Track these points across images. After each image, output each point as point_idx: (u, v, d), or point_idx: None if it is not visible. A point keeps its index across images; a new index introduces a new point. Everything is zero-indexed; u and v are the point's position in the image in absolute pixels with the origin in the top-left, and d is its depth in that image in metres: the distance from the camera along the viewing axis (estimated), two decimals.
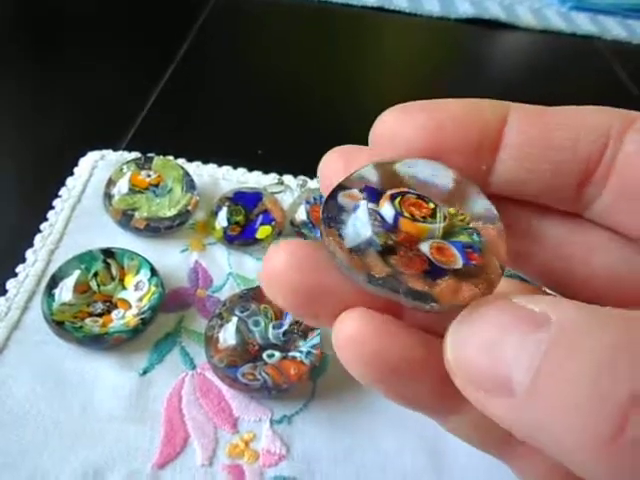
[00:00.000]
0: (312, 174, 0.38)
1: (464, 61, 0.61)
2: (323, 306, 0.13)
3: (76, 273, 0.28)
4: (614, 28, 0.66)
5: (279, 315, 0.27)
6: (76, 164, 0.36)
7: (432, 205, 0.13)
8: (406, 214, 0.13)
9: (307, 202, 0.33)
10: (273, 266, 0.13)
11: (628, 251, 0.15)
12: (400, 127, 0.14)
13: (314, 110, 0.47)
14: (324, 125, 0.45)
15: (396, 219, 0.13)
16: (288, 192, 0.35)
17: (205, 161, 0.38)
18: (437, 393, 0.13)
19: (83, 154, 0.37)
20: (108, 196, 0.32)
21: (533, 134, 0.14)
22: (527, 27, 0.64)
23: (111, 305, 0.28)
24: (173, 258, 0.31)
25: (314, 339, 0.26)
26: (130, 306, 0.28)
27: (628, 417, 0.09)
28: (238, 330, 0.26)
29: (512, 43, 0.65)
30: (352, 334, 0.12)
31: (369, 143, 0.15)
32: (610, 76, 0.58)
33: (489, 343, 0.11)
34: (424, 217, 0.13)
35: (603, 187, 0.14)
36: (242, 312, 0.27)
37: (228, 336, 0.26)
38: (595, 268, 0.15)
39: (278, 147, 0.41)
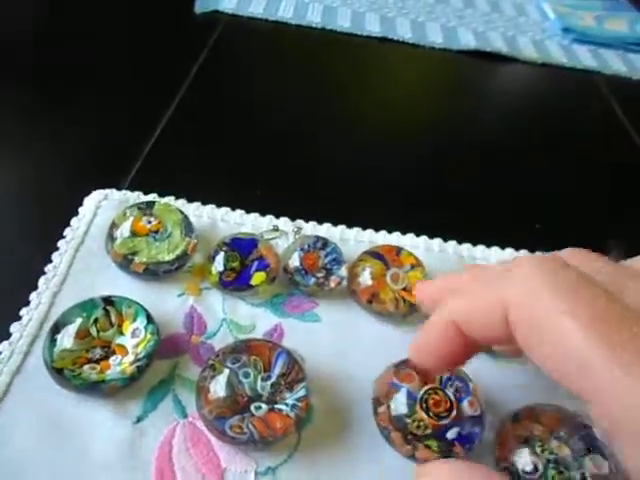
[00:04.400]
0: (310, 217, 0.39)
1: (465, 92, 0.62)
2: None
3: (78, 321, 0.29)
4: (615, 63, 0.67)
5: (268, 367, 0.29)
6: (81, 204, 0.37)
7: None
8: None
9: (301, 249, 0.35)
10: None
11: None
12: None
13: (315, 149, 0.48)
14: (324, 164, 0.46)
15: None
16: (283, 237, 0.37)
17: (204, 202, 0.39)
18: None
19: (87, 193, 0.38)
20: (111, 238, 0.34)
21: None
22: (528, 60, 0.65)
23: (109, 351, 0.29)
24: (170, 303, 0.32)
25: (300, 391, 0.28)
26: (127, 352, 0.29)
27: None
28: (229, 382, 0.27)
29: (513, 75, 0.66)
30: None
31: None
32: (606, 111, 0.59)
33: None
34: None
35: None
36: (234, 364, 0.28)
37: (219, 388, 0.27)
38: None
39: (277, 187, 0.42)
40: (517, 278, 0.20)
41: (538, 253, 0.39)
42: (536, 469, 0.25)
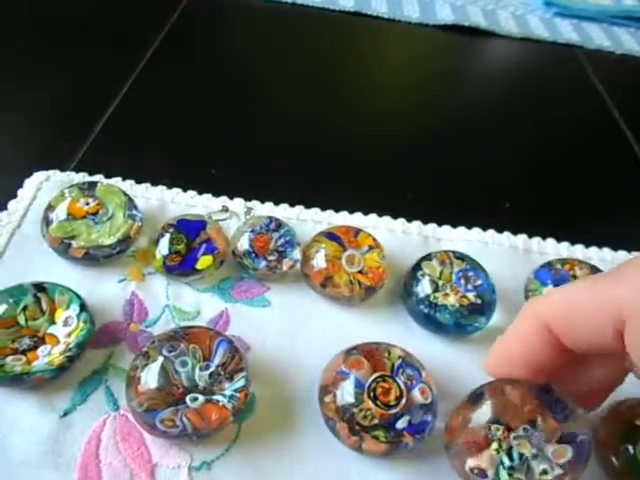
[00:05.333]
0: (267, 198, 0.37)
1: (442, 69, 0.60)
2: None
3: (3, 308, 0.27)
4: (598, 37, 0.65)
5: (207, 356, 0.27)
6: (21, 185, 0.35)
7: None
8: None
9: (251, 231, 0.33)
10: None
11: None
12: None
13: (279, 126, 0.46)
14: (285, 143, 0.44)
15: None
16: (234, 219, 0.35)
17: (154, 183, 0.37)
18: None
19: (29, 174, 0.36)
20: (46, 222, 0.32)
21: None
22: (507, 34, 0.63)
23: (39, 340, 0.27)
24: (109, 289, 0.31)
25: (239, 381, 0.26)
26: (58, 342, 0.27)
27: None
28: (163, 371, 0.26)
29: (491, 50, 0.63)
30: None
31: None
32: (588, 86, 0.57)
33: None
34: None
35: None
36: (170, 352, 0.26)
37: (150, 378, 0.25)
38: None
39: (232, 168, 0.40)
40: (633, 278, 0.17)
41: (507, 233, 0.37)
42: (484, 474, 0.21)
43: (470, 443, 0.22)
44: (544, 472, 0.21)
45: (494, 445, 0.21)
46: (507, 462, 0.21)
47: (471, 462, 0.22)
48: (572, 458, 0.21)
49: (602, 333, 0.18)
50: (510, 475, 0.21)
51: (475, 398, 0.23)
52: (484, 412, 0.22)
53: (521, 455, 0.21)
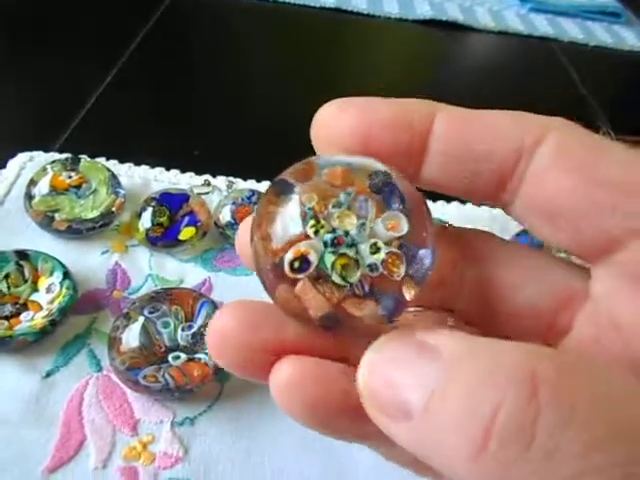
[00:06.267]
0: (247, 176, 0.38)
1: (421, 62, 0.61)
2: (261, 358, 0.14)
3: None
4: (572, 30, 0.67)
5: (190, 317, 0.27)
6: (4, 166, 0.36)
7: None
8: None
9: (234, 203, 0.33)
10: (219, 326, 0.14)
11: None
12: (335, 125, 0.15)
13: (260, 111, 0.47)
14: (267, 126, 0.45)
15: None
16: (217, 193, 0.35)
17: (138, 163, 0.37)
18: (372, 427, 0.13)
19: (13, 155, 0.36)
20: (29, 196, 0.32)
21: (455, 145, 0.15)
22: (484, 29, 0.65)
23: (21, 307, 0.28)
24: (92, 260, 0.31)
25: None
26: (41, 308, 0.28)
27: (490, 435, 0.10)
28: (145, 331, 0.26)
29: (469, 44, 0.65)
30: (287, 381, 0.14)
31: (311, 136, 0.16)
32: (563, 77, 0.59)
33: (391, 373, 0.12)
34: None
35: (516, 195, 0.15)
36: (151, 313, 0.27)
37: (132, 337, 0.26)
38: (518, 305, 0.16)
39: (216, 148, 0.41)
40: None
41: (485, 207, 0.38)
42: (307, 261, 0.14)
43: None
44: (375, 248, 0.14)
45: (311, 222, 0.14)
46: (329, 237, 0.14)
47: (289, 255, 0.14)
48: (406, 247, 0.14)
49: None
50: (334, 253, 0.14)
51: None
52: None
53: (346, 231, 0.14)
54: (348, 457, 0.24)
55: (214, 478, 0.23)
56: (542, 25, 0.67)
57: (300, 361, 0.14)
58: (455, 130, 0.15)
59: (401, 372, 0.12)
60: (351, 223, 0.14)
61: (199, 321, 0.27)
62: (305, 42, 0.60)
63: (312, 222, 0.14)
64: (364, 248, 0.14)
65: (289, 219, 0.14)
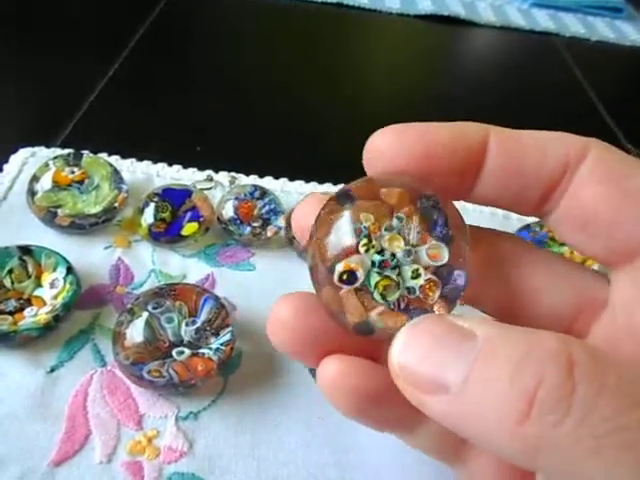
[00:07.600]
0: (249, 171, 0.38)
1: (422, 57, 0.61)
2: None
3: None
4: (573, 25, 0.67)
5: (193, 312, 0.27)
6: (6, 161, 0.36)
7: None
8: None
9: (236, 198, 0.33)
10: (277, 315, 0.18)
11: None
12: (392, 150, 0.17)
13: (262, 107, 0.47)
14: (269, 122, 0.45)
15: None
16: (219, 189, 0.35)
17: (140, 158, 0.37)
18: (405, 413, 0.16)
19: (15, 151, 0.36)
20: (31, 192, 0.32)
21: (509, 161, 0.16)
22: (486, 24, 0.65)
23: (25, 303, 0.28)
24: (95, 255, 0.31)
25: (225, 336, 0.26)
26: (45, 303, 0.28)
27: (534, 404, 0.12)
28: (149, 326, 0.26)
29: (471, 39, 0.65)
30: (334, 376, 0.16)
31: (364, 159, 0.17)
32: (565, 72, 0.59)
33: (428, 351, 0.14)
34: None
35: (557, 206, 0.16)
36: (155, 308, 0.27)
37: (136, 333, 0.26)
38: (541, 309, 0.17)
39: (219, 143, 0.41)
40: None
41: None
42: (354, 276, 0.16)
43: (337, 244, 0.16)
44: (416, 274, 0.16)
45: (364, 240, 0.16)
46: (377, 259, 0.16)
47: (340, 266, 0.16)
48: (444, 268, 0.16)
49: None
50: (379, 274, 0.16)
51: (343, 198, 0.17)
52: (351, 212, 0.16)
53: (393, 254, 0.16)
54: (353, 451, 0.24)
55: (219, 472, 0.23)
56: (544, 20, 0.66)
57: (343, 359, 0.16)
58: (508, 148, 0.16)
59: (436, 348, 0.13)
60: (399, 247, 0.16)
61: (202, 316, 0.27)
62: (306, 37, 0.60)
63: (365, 240, 0.16)
64: (406, 271, 0.16)
65: (345, 232, 0.16)
